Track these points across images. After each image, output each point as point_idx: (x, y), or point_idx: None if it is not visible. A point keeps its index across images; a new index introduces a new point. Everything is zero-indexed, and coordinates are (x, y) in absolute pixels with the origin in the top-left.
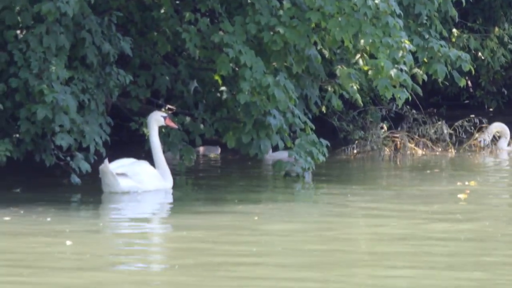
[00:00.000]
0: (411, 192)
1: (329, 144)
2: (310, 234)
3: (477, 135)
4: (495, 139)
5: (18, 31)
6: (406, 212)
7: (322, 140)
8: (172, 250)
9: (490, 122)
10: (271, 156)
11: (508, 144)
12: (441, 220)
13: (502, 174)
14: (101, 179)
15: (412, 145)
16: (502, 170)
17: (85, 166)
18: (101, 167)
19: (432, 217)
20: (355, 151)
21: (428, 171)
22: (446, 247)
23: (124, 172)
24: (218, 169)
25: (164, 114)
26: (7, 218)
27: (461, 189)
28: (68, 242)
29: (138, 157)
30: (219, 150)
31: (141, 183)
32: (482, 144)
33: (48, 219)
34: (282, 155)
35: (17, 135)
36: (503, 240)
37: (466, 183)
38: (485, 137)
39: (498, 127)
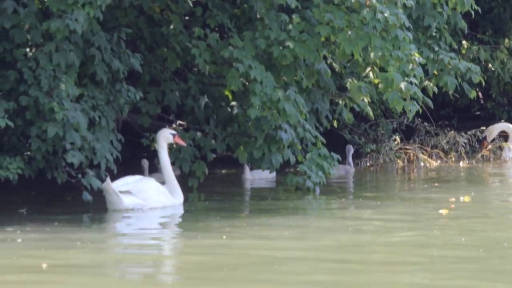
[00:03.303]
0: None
1: (340, 158)
2: (327, 248)
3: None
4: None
5: (28, 49)
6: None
7: (333, 154)
8: (183, 265)
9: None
10: (251, 175)
11: None
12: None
13: (500, 189)
14: (105, 196)
15: (425, 157)
16: (503, 184)
17: (97, 183)
18: (103, 185)
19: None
20: (368, 164)
21: (426, 185)
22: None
23: (128, 190)
24: (228, 184)
25: (173, 132)
26: (19, 240)
27: (450, 204)
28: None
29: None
30: None
31: (146, 200)
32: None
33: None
34: (262, 174)
35: (29, 153)
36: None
37: (461, 198)
38: (488, 135)
39: (503, 127)
